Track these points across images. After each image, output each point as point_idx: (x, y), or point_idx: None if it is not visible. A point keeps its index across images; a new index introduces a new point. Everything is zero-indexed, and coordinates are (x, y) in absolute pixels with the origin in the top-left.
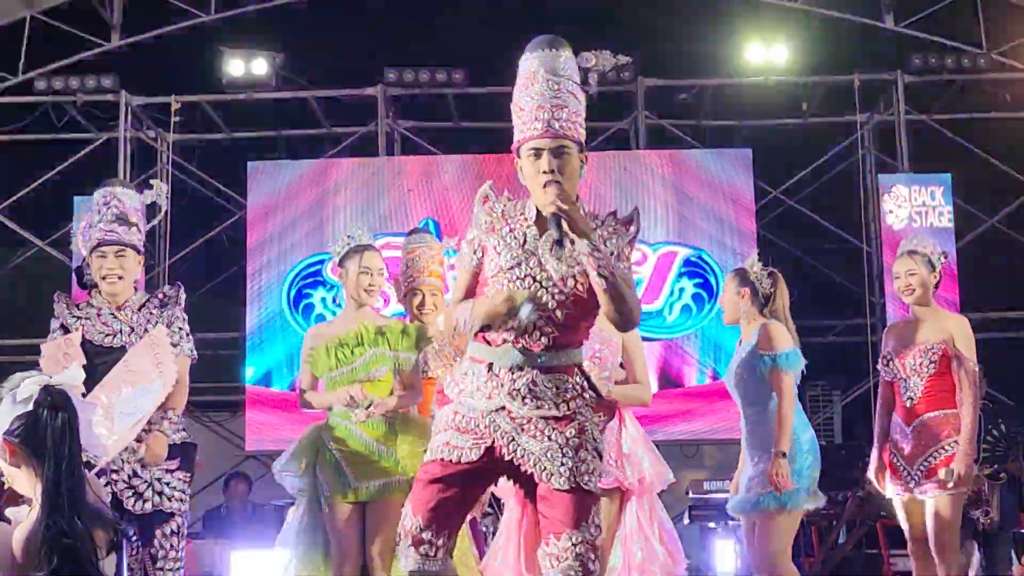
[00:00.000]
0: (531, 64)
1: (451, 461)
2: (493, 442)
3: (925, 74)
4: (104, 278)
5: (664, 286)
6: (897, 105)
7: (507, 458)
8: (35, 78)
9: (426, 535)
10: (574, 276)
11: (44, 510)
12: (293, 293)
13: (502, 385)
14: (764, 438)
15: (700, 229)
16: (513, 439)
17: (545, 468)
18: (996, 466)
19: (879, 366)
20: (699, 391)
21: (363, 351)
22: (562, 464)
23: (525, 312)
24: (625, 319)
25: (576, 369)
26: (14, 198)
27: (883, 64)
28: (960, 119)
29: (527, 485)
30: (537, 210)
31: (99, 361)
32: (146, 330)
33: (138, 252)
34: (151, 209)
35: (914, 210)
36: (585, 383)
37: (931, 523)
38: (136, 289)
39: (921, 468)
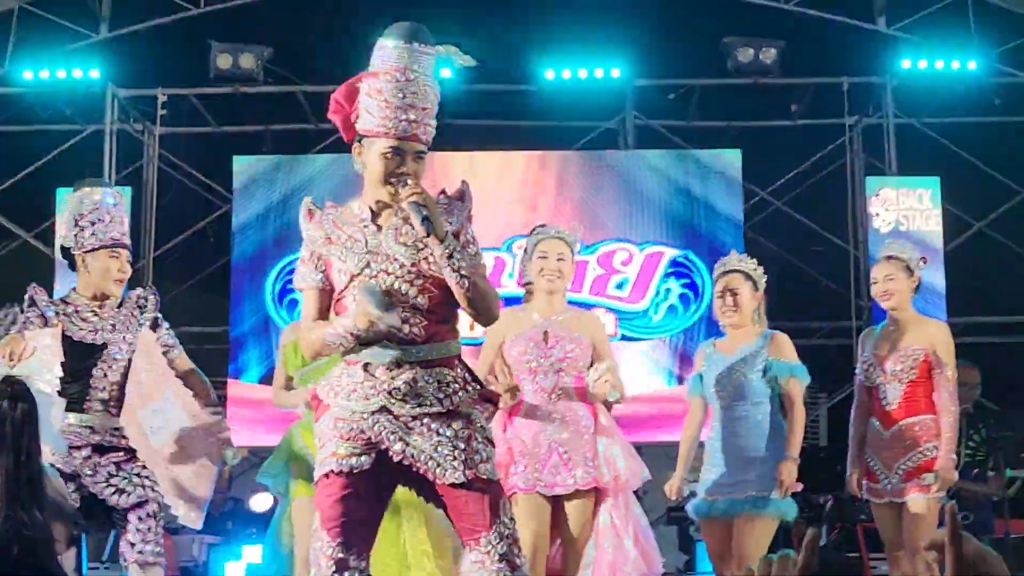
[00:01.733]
0: (394, 56)
1: (343, 472)
2: (380, 445)
3: (914, 77)
4: (116, 280)
5: (650, 286)
6: (886, 108)
7: (397, 459)
8: (22, 69)
9: (348, 559)
10: (426, 259)
11: (3, 503)
12: (278, 288)
13: (380, 384)
14: (759, 440)
15: (687, 230)
16: (400, 439)
17: (438, 464)
18: (977, 470)
19: (857, 371)
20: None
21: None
22: (454, 457)
23: (389, 319)
24: (486, 316)
25: (456, 361)
26: None
27: (872, 66)
28: (949, 123)
29: (425, 489)
30: (371, 209)
31: (86, 358)
32: (128, 328)
33: None
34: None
35: (902, 213)
36: (467, 375)
37: (908, 526)
38: None
39: (899, 472)
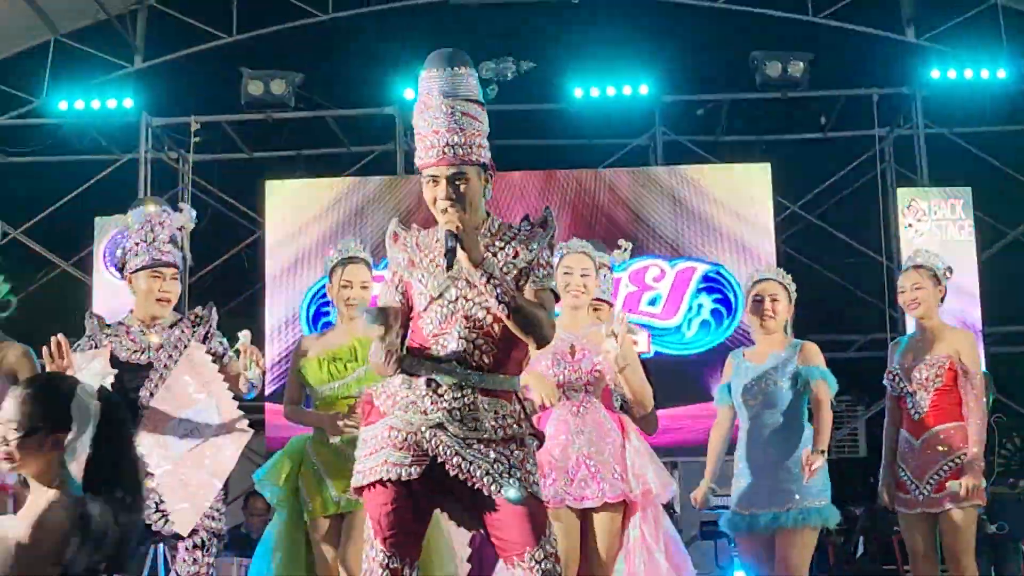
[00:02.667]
0: (427, 85)
1: (392, 481)
2: (435, 457)
3: (944, 87)
4: (158, 300)
5: (682, 302)
6: (917, 118)
7: (452, 473)
8: (58, 99)
9: (403, 568)
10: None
11: (90, 491)
12: (312, 311)
13: (441, 402)
14: (794, 450)
15: (718, 245)
16: (457, 453)
17: (495, 480)
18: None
19: (885, 382)
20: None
21: (356, 366)
22: (510, 475)
23: (372, 321)
24: (536, 340)
25: (515, 396)
26: (36, 219)
27: (902, 77)
28: (980, 132)
29: (471, 506)
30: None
31: (128, 378)
32: (175, 347)
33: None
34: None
35: (935, 223)
36: (523, 412)
37: (945, 536)
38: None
39: (930, 482)
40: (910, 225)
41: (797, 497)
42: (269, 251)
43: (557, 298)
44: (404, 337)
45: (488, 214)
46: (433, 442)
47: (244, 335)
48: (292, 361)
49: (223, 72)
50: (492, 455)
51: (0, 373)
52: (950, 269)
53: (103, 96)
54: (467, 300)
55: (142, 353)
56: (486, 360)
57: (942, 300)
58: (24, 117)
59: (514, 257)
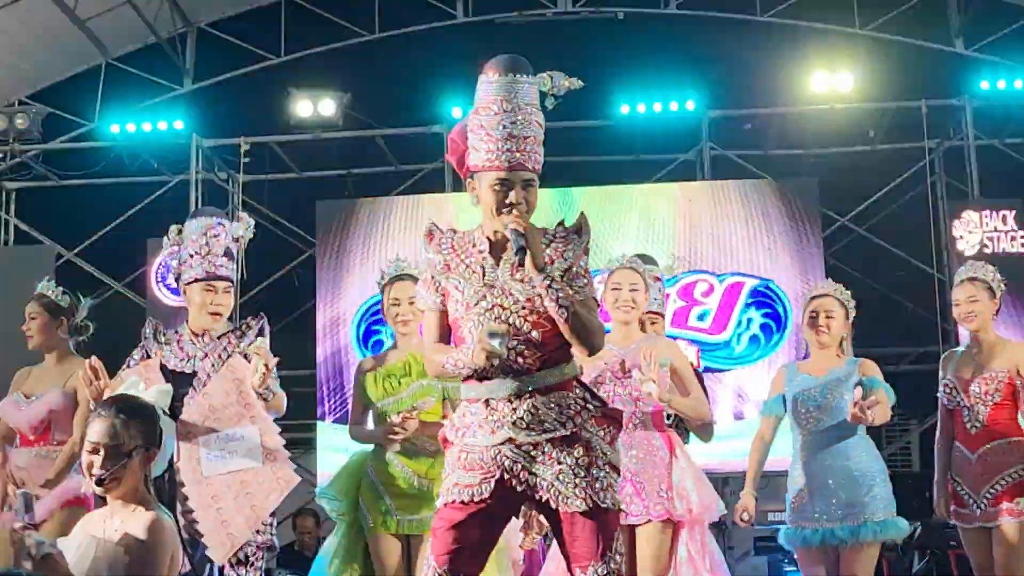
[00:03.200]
0: (493, 89)
1: (464, 502)
2: (503, 475)
3: (994, 98)
4: (211, 313)
5: (731, 317)
6: (966, 130)
7: (520, 489)
8: (109, 123)
9: None
10: (539, 295)
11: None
12: (363, 329)
13: (503, 417)
14: (859, 463)
15: (767, 259)
16: (524, 468)
17: (560, 492)
18: None
19: (939, 394)
20: None
21: (410, 381)
22: (575, 486)
23: (500, 345)
24: (588, 347)
25: (574, 382)
26: (89, 241)
27: (951, 88)
28: None
29: (549, 515)
30: (490, 240)
31: (177, 387)
32: (219, 356)
33: (233, 286)
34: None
35: (985, 235)
36: (587, 395)
37: (1000, 550)
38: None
39: (987, 496)
40: (960, 237)
41: (868, 510)
42: (319, 270)
43: (598, 305)
44: (450, 334)
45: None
46: (499, 459)
47: (261, 342)
48: (354, 381)
49: (272, 92)
50: (557, 466)
51: (63, 388)
52: (1004, 282)
53: (154, 118)
54: (503, 308)
55: (188, 362)
56: (531, 363)
57: (996, 313)
58: (77, 140)
59: (550, 262)
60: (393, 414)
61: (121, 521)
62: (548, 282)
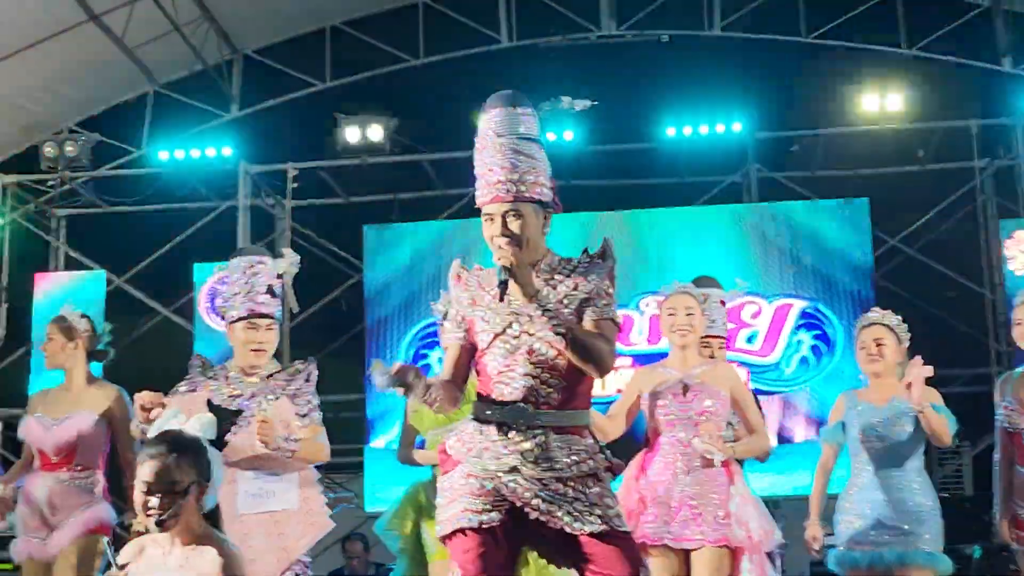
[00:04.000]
0: (485, 124)
1: (474, 528)
2: (514, 502)
3: None
4: (253, 350)
5: (780, 338)
6: (1018, 149)
7: (532, 516)
8: (157, 150)
9: None
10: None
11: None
12: (412, 353)
13: (513, 444)
14: (916, 493)
15: (816, 280)
16: (536, 495)
17: (575, 516)
18: None
19: (998, 417)
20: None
21: (460, 414)
22: (590, 512)
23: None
24: (596, 369)
25: (586, 430)
26: (139, 267)
27: (1001, 108)
28: None
29: (556, 545)
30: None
31: (219, 421)
32: (267, 398)
33: (277, 322)
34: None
35: None
36: (596, 446)
37: None
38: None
39: None
40: (1012, 257)
41: (919, 540)
42: (368, 295)
43: (618, 327)
44: (468, 374)
45: (549, 250)
46: (510, 486)
47: (270, 405)
48: (405, 407)
49: (318, 118)
50: (571, 493)
51: (92, 410)
52: None
53: (202, 145)
54: (530, 335)
55: (235, 399)
56: (554, 396)
57: None
58: (125, 167)
59: (574, 289)
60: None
61: (187, 559)
62: (540, 311)
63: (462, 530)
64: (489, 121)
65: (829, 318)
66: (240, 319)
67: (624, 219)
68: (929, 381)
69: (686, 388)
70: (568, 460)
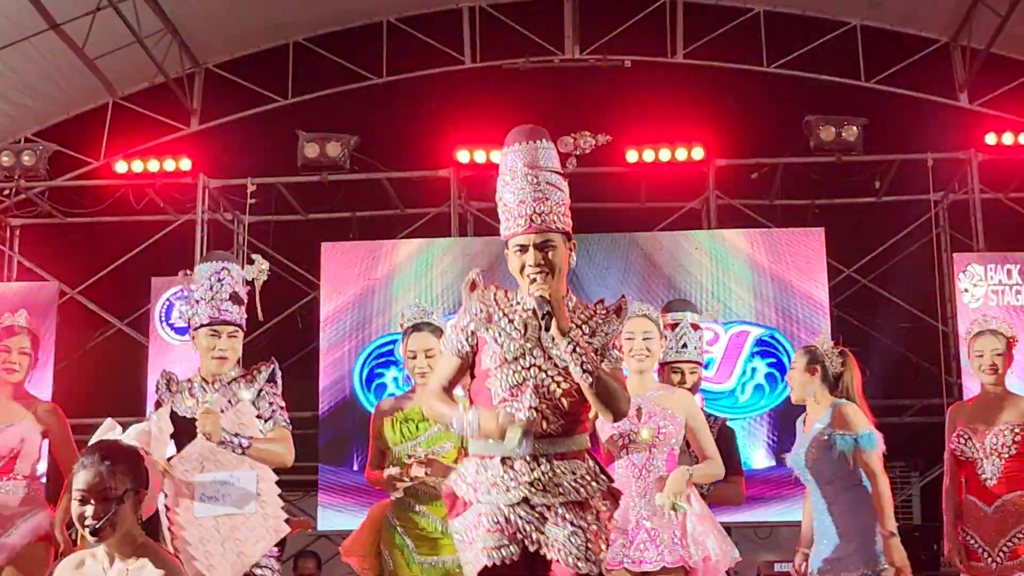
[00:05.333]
0: (511, 159)
1: (497, 565)
2: (522, 536)
3: (1000, 152)
4: (215, 358)
5: (736, 365)
6: (972, 183)
7: (532, 549)
8: (115, 161)
9: None
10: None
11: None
12: (366, 372)
13: (520, 476)
14: (848, 517)
15: (772, 308)
16: (536, 529)
17: (572, 553)
18: None
19: (952, 445)
20: (773, 474)
21: (428, 427)
22: (587, 548)
23: (518, 447)
24: (614, 413)
25: (586, 454)
26: (93, 279)
27: (956, 141)
28: None
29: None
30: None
31: (186, 432)
32: (229, 402)
33: (241, 330)
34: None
35: (990, 289)
36: (597, 468)
37: None
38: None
39: (1004, 550)
40: (966, 290)
41: (870, 562)
42: (323, 312)
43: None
44: (457, 386)
45: (568, 290)
46: (513, 519)
47: (213, 398)
48: (372, 425)
49: (279, 134)
50: (569, 527)
51: (30, 421)
52: (1014, 337)
53: (160, 158)
54: (540, 370)
55: (198, 405)
56: (553, 429)
57: (1010, 364)
58: (83, 178)
59: (591, 336)
60: (406, 458)
61: (127, 572)
62: (572, 346)
63: (485, 569)
64: (517, 154)
65: (784, 346)
66: (203, 325)
67: (584, 243)
68: (878, 409)
69: (640, 411)
70: (573, 484)
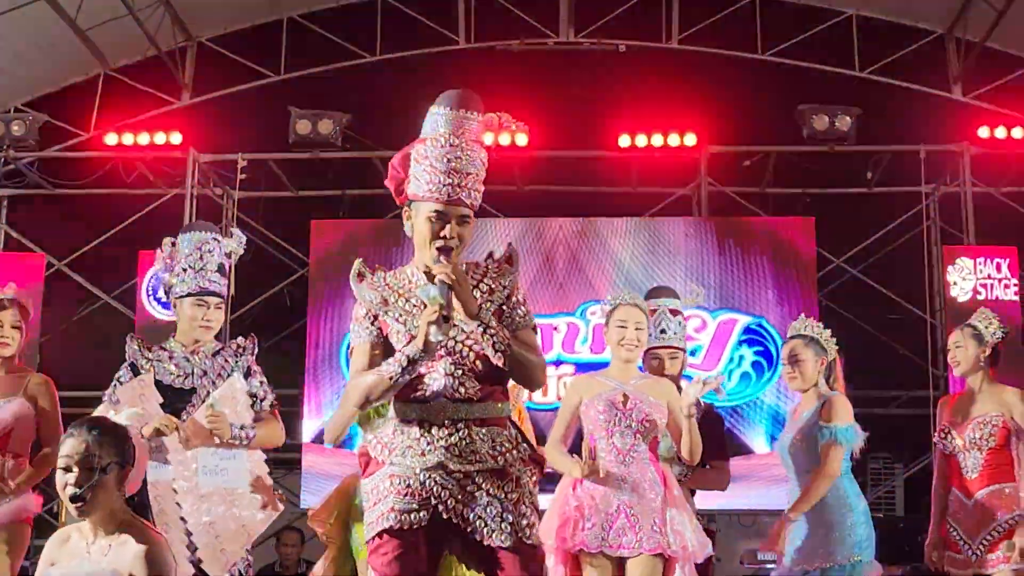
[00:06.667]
0: (440, 121)
1: (401, 529)
2: (435, 503)
3: (993, 145)
4: (201, 326)
5: (723, 353)
6: (963, 177)
7: (445, 517)
8: (106, 133)
9: None
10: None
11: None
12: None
13: (437, 440)
14: (821, 507)
15: (761, 297)
16: (452, 496)
17: (487, 525)
18: None
19: (935, 439)
20: (758, 461)
21: None
22: (503, 520)
23: (434, 294)
24: (529, 384)
25: (507, 421)
26: (81, 251)
27: (949, 134)
28: None
29: (469, 549)
30: (426, 274)
31: (175, 401)
32: (219, 375)
33: (224, 301)
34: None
35: (979, 282)
36: (518, 436)
37: None
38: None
39: (983, 543)
40: (954, 283)
41: (834, 554)
42: (312, 289)
43: (537, 332)
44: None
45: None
46: (429, 484)
47: (215, 398)
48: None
49: (271, 110)
50: (485, 498)
51: (23, 396)
52: (1006, 332)
53: (151, 131)
54: (448, 337)
55: (186, 378)
56: (472, 394)
57: (993, 359)
58: (72, 150)
59: (489, 294)
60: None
61: (110, 547)
62: (483, 328)
63: (388, 531)
64: (445, 118)
65: (772, 334)
66: (189, 295)
67: (573, 227)
68: (864, 400)
69: (626, 397)
70: (491, 451)
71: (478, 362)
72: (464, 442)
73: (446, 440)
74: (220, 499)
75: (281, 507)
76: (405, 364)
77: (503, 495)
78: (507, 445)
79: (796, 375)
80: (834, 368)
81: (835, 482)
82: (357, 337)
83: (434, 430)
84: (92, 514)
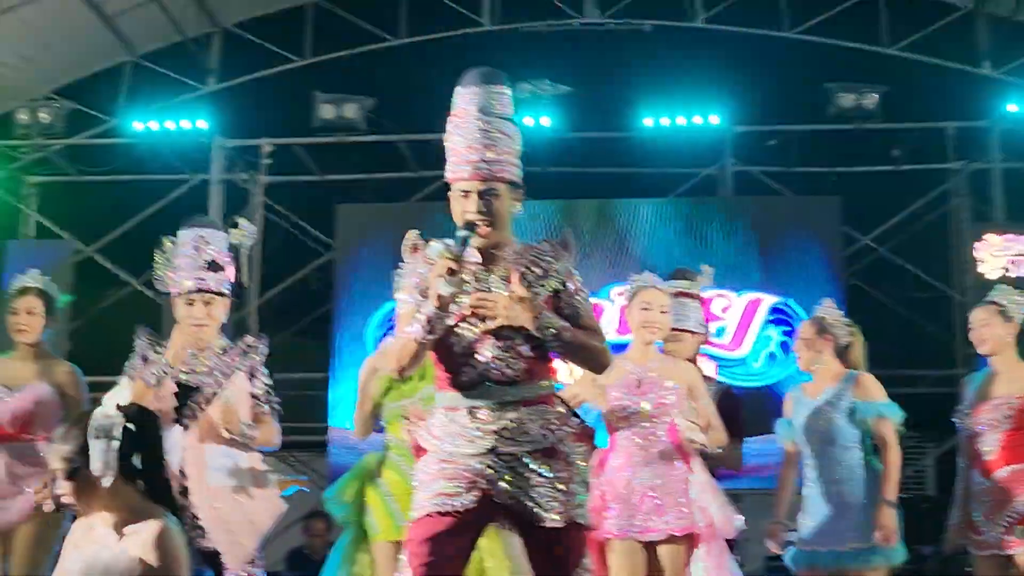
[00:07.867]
0: (463, 100)
1: (445, 512)
2: (484, 487)
3: (1022, 121)
4: (193, 326)
5: (748, 333)
6: (993, 152)
7: (497, 500)
8: (132, 120)
9: None
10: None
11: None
12: (379, 335)
13: (487, 425)
14: (842, 487)
15: (787, 276)
16: (503, 479)
17: (537, 504)
18: None
19: (955, 419)
20: None
21: (423, 385)
22: (553, 499)
23: (443, 287)
24: (591, 368)
25: (554, 398)
26: (108, 237)
27: (978, 110)
28: None
29: (520, 526)
30: (479, 249)
31: (179, 397)
32: (224, 373)
33: (226, 296)
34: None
35: (1009, 259)
36: (566, 411)
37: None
38: (222, 332)
39: (1002, 524)
40: (983, 260)
41: (859, 537)
42: (339, 274)
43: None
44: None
45: (512, 235)
46: (480, 468)
47: (230, 393)
48: (362, 374)
49: (296, 95)
50: (536, 478)
51: (47, 382)
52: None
53: (177, 117)
54: (495, 319)
55: (189, 375)
56: (517, 373)
57: (1019, 338)
58: (100, 137)
59: (544, 276)
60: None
61: (127, 536)
62: (540, 327)
63: (432, 513)
64: (468, 97)
65: (798, 314)
66: (180, 293)
67: (598, 208)
68: (894, 379)
69: (640, 382)
70: (541, 430)
71: (522, 343)
72: (514, 424)
73: (496, 424)
74: (229, 496)
75: (285, 506)
76: (424, 323)
77: (553, 475)
78: (556, 423)
79: (799, 358)
80: (852, 350)
81: (860, 459)
82: (405, 305)
83: (482, 414)
84: (88, 511)
